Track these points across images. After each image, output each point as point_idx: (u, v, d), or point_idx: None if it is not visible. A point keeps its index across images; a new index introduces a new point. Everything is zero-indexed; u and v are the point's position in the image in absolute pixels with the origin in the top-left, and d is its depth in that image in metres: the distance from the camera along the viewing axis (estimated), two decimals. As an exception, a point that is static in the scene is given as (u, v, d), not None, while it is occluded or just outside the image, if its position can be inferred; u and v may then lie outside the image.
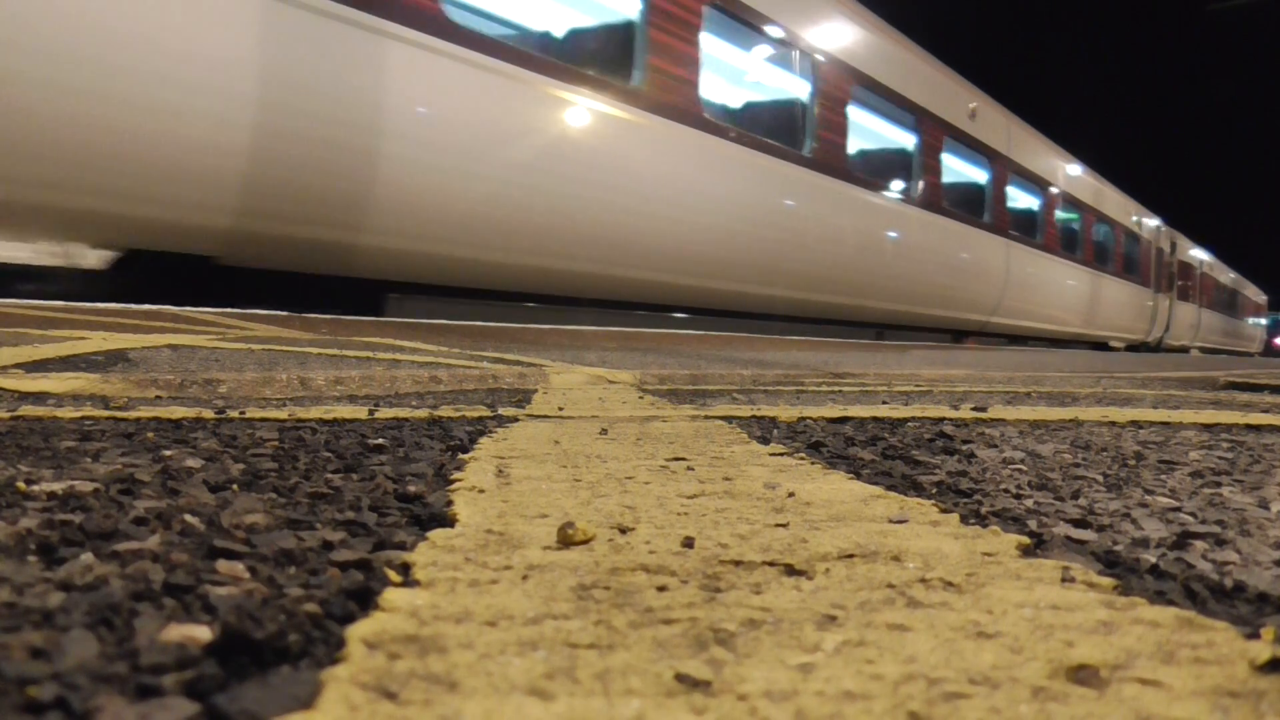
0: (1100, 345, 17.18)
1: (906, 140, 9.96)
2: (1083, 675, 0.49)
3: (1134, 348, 19.18)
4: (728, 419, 1.80)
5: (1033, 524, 0.94)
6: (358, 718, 0.42)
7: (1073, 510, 1.02)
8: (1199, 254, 25.31)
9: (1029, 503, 1.07)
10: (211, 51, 4.00)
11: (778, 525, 0.84)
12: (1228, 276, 30.11)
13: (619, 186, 6.12)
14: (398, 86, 4.74)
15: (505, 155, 5.33)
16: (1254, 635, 0.56)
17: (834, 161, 8.24)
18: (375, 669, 0.47)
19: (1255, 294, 35.75)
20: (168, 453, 1.15)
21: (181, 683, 0.46)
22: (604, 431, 1.51)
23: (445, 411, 1.75)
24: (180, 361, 2.32)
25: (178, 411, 1.54)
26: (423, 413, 1.71)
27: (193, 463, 1.08)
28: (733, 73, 8.26)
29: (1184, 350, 23.59)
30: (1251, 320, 34.65)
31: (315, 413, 1.62)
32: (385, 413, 1.68)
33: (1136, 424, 2.02)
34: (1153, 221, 20.18)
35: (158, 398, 1.83)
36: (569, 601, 0.59)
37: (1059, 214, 14.09)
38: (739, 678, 0.48)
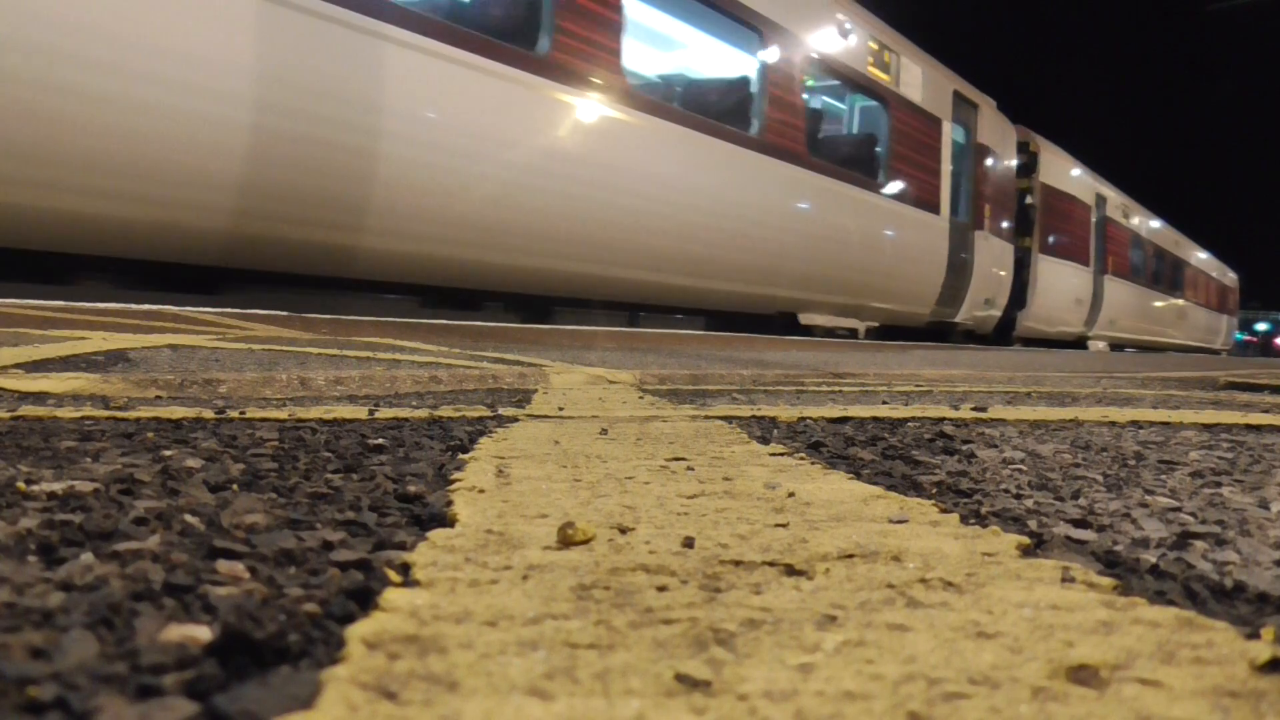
0: (783, 326, 8.45)
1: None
2: (1083, 675, 0.49)
3: (909, 332, 10.44)
4: (728, 419, 1.80)
5: (1033, 524, 0.94)
6: (358, 718, 0.42)
7: (1073, 510, 1.02)
8: (1103, 190, 15.60)
9: (1029, 503, 1.07)
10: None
11: (778, 525, 0.84)
12: (1169, 239, 20.13)
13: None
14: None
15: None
16: (1254, 635, 0.56)
17: None
18: (375, 669, 0.47)
19: (1220, 272, 26.00)
20: (168, 453, 1.15)
21: (181, 683, 0.46)
22: (604, 431, 1.51)
23: (445, 411, 1.75)
24: (180, 361, 2.32)
25: (178, 411, 1.54)
26: (423, 413, 1.71)
27: (193, 463, 1.08)
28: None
29: (1077, 343, 14.96)
30: (1215, 308, 25.08)
31: (315, 413, 1.62)
32: (385, 413, 1.68)
33: (1136, 424, 2.02)
34: (961, 97, 10.54)
35: (158, 398, 1.83)
36: (569, 601, 0.59)
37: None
38: (739, 678, 0.48)
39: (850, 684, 0.47)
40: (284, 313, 4.89)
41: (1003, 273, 11.89)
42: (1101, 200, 15.65)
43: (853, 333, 9.26)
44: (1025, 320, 12.95)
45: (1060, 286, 13.80)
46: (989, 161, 11.42)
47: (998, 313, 12.03)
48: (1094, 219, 15.26)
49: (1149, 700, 0.46)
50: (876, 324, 9.80)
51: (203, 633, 0.52)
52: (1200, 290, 23.54)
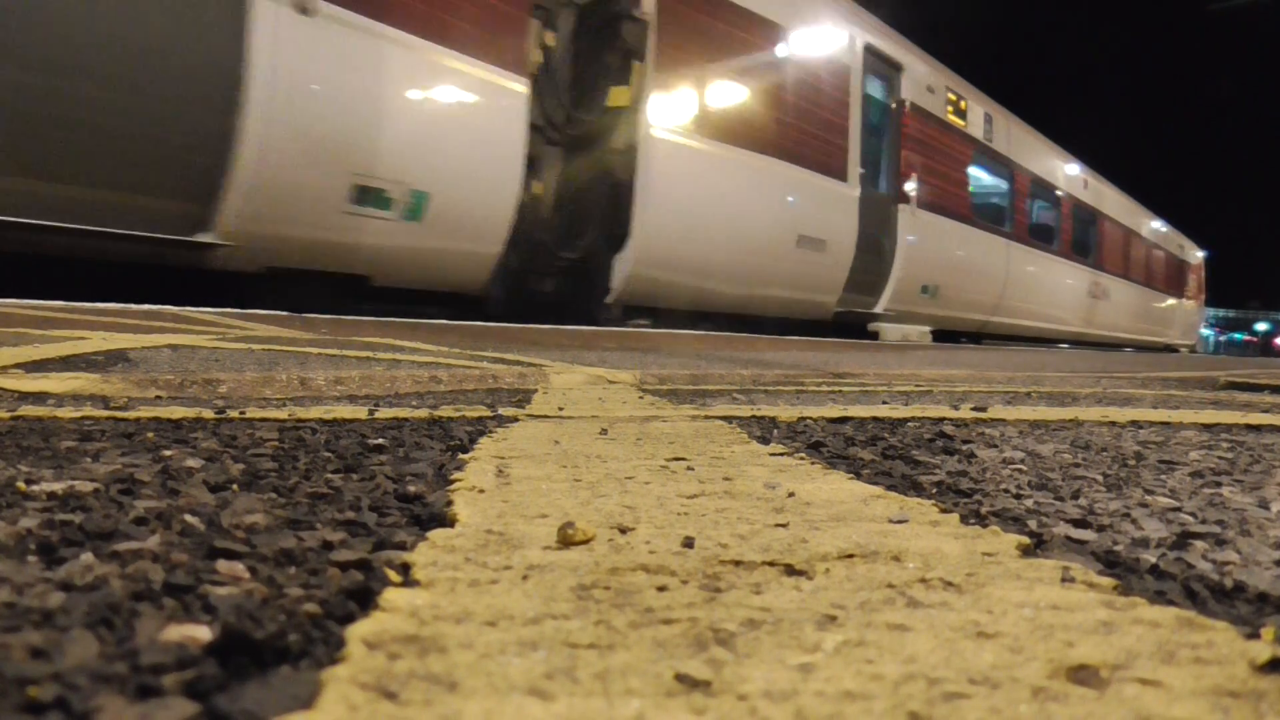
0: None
1: None
2: (1083, 675, 0.49)
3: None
4: (728, 419, 1.80)
5: (1033, 524, 0.94)
6: (358, 718, 0.42)
7: (1073, 510, 1.02)
8: (891, 50, 8.51)
9: (1029, 503, 1.07)
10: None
11: (778, 525, 0.84)
12: (1074, 178, 13.31)
13: None
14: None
15: None
16: (1254, 635, 0.56)
17: None
18: (375, 669, 0.47)
19: (1175, 244, 19.90)
20: (168, 453, 1.15)
21: (181, 683, 0.46)
22: (604, 431, 1.51)
23: (445, 411, 1.75)
24: (180, 361, 2.32)
25: (178, 411, 1.54)
26: (423, 413, 1.71)
27: (193, 463, 1.08)
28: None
29: (841, 327, 8.81)
30: (1164, 289, 19.17)
31: (315, 413, 1.62)
32: (385, 413, 1.68)
33: (1136, 424, 2.02)
34: None
35: (158, 398, 1.83)
36: (569, 601, 0.59)
37: None
38: (739, 678, 0.48)
39: (850, 684, 0.47)
40: (284, 313, 4.88)
41: (494, 154, 5.45)
42: (888, 67, 8.48)
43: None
44: (634, 266, 6.31)
45: (739, 208, 6.98)
46: None
47: (494, 248, 5.56)
48: (858, 94, 8.07)
49: (1149, 700, 0.46)
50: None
51: (203, 633, 0.52)
52: (1138, 263, 16.45)
